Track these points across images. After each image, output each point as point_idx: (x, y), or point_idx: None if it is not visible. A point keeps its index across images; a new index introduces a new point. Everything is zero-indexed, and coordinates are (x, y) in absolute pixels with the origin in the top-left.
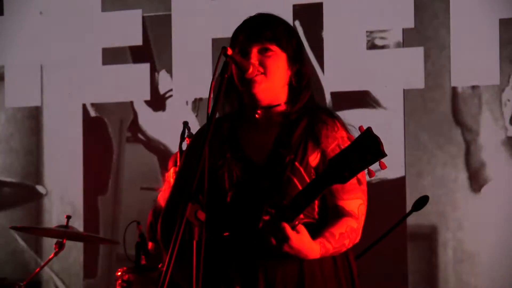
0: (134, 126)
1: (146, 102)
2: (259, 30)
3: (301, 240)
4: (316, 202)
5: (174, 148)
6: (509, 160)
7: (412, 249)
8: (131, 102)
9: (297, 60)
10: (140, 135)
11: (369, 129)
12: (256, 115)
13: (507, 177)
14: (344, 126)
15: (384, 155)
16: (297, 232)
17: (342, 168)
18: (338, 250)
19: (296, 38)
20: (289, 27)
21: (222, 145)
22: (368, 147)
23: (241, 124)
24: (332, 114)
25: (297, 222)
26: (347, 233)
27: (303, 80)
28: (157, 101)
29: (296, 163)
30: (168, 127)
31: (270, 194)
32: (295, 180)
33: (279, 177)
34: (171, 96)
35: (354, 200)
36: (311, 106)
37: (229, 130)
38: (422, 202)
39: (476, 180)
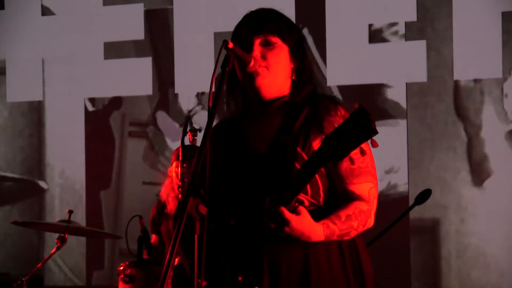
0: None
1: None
2: (261, 22)
3: (301, 222)
4: (321, 187)
5: None
6: (511, 154)
7: (415, 242)
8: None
9: (299, 54)
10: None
11: (360, 106)
12: (261, 109)
13: (509, 171)
14: (347, 110)
15: (376, 132)
16: (298, 213)
17: (336, 146)
18: (346, 233)
19: (298, 31)
20: (291, 22)
21: (225, 138)
22: (360, 125)
23: (244, 118)
24: (334, 100)
25: (296, 204)
26: (354, 215)
27: (305, 74)
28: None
29: (298, 149)
30: None
31: (272, 181)
32: (297, 165)
33: (281, 164)
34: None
35: (365, 184)
36: (313, 97)
37: (233, 125)
38: (424, 196)
39: (479, 174)
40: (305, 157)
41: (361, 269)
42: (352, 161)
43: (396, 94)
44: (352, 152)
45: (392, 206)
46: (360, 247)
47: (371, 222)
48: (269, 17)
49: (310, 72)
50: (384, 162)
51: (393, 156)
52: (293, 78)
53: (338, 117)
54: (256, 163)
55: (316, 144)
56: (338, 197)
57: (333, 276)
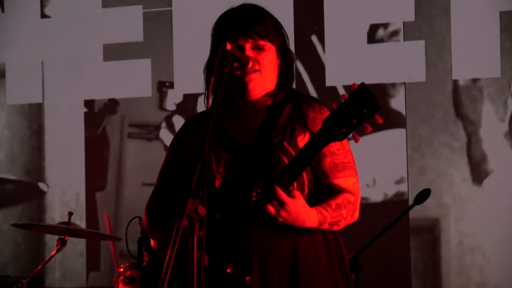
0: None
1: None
2: (251, 26)
3: (297, 205)
4: (306, 182)
5: None
6: (510, 152)
7: (414, 242)
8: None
9: (283, 50)
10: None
11: (362, 84)
12: (244, 107)
13: (508, 169)
14: (329, 110)
15: (380, 108)
16: (293, 197)
17: (339, 125)
18: (337, 221)
19: (281, 28)
20: (274, 18)
21: (200, 131)
22: (363, 102)
23: (224, 112)
24: (316, 99)
25: (291, 188)
26: (343, 204)
27: (289, 69)
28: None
29: (285, 143)
30: None
31: (260, 174)
32: (285, 160)
33: (268, 157)
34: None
35: (349, 178)
36: (295, 93)
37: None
38: (424, 195)
39: (478, 173)
40: (292, 152)
41: (344, 260)
42: (335, 155)
43: (395, 94)
44: (334, 147)
45: (392, 206)
46: (340, 240)
47: (357, 214)
48: (257, 19)
49: (292, 67)
50: (382, 161)
51: (392, 155)
52: (278, 74)
53: (322, 115)
54: (242, 156)
55: (301, 140)
56: (323, 192)
57: (320, 265)
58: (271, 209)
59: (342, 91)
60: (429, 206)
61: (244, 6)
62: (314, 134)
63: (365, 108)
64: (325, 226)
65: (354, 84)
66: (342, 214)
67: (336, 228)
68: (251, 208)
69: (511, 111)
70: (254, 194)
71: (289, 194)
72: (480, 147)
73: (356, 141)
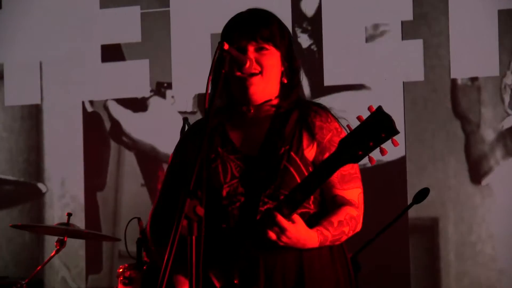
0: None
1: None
2: (255, 28)
3: (297, 230)
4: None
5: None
6: (508, 151)
7: (413, 242)
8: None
9: (289, 57)
10: (124, 138)
11: (380, 108)
12: (248, 113)
13: (507, 168)
14: (335, 117)
15: (397, 132)
16: (293, 222)
17: (355, 147)
18: (338, 238)
19: (288, 35)
20: (282, 24)
21: (212, 139)
22: (381, 125)
23: (229, 118)
24: (323, 106)
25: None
26: (346, 220)
27: (295, 76)
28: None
29: (292, 153)
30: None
31: (267, 184)
32: (292, 170)
33: (275, 167)
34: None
35: (354, 190)
36: (300, 100)
37: (217, 124)
38: (422, 194)
39: (476, 172)
40: (299, 162)
41: (346, 260)
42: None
43: (393, 93)
44: None
45: (391, 205)
46: (345, 246)
47: (359, 227)
48: (263, 22)
49: (298, 74)
50: (381, 161)
51: (391, 155)
52: (284, 81)
53: (329, 124)
54: (249, 166)
55: (309, 152)
56: (327, 202)
57: (324, 272)
58: (272, 235)
59: (341, 90)
60: (428, 205)
61: (252, 10)
62: (329, 155)
63: (383, 131)
64: (327, 244)
65: (371, 106)
66: (344, 231)
67: (337, 243)
68: (257, 227)
69: (510, 110)
70: (261, 203)
71: (289, 218)
72: (478, 145)
73: (372, 163)
